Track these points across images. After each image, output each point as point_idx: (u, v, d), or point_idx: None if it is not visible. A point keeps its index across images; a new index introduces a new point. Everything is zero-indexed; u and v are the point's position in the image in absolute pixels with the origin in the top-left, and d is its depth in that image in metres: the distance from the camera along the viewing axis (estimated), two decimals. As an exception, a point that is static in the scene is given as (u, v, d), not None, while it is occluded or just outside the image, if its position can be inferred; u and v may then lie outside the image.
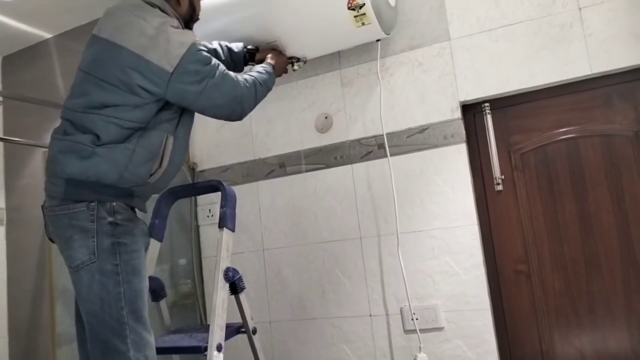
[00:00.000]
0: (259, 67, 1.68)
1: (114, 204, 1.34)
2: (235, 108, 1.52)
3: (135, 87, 1.34)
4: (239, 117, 1.57)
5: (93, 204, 1.31)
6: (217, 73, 1.44)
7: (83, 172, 1.30)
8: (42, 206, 1.42)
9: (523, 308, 1.89)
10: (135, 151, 1.34)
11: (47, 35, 2.82)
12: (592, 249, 1.80)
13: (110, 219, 1.32)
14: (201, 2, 1.72)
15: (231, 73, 1.50)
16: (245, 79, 1.55)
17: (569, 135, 1.86)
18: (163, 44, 1.35)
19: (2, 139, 2.79)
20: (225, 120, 1.56)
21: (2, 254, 2.84)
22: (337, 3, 1.78)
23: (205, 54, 1.43)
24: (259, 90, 1.60)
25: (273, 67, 1.74)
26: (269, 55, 1.82)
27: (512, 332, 1.90)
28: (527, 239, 1.89)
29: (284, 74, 1.93)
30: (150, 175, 1.40)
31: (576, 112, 1.85)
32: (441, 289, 1.90)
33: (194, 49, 1.39)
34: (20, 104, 2.76)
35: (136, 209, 1.44)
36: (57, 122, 2.68)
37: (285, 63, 1.91)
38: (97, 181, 1.31)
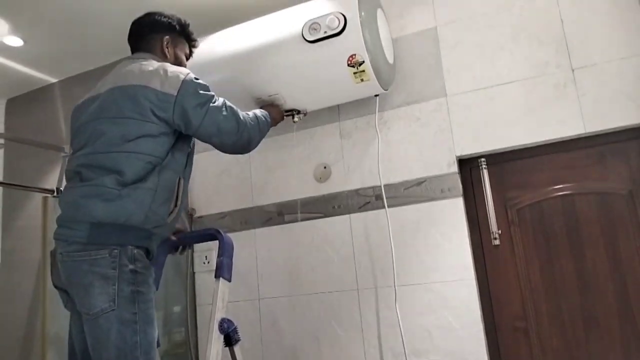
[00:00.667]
0: (256, 110, 1.72)
1: (135, 251, 1.35)
2: (240, 134, 1.54)
3: (148, 113, 1.39)
4: (246, 145, 1.59)
5: (116, 251, 1.32)
6: (219, 99, 1.52)
7: (111, 215, 1.32)
8: (51, 253, 1.42)
9: (521, 366, 1.86)
10: (157, 191, 1.38)
11: (52, 80, 2.88)
12: (590, 307, 1.80)
13: (131, 266, 1.33)
14: (204, 54, 1.82)
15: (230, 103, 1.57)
16: (247, 113, 1.61)
17: (565, 192, 1.88)
18: (163, 74, 1.44)
19: (3, 183, 2.80)
20: (232, 149, 1.57)
21: (-7, 297, 2.81)
22: (337, 60, 1.84)
23: (204, 82, 1.50)
24: (262, 122, 1.66)
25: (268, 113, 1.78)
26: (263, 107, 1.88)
27: (511, 391, 1.86)
28: (524, 294, 1.89)
29: (280, 124, 1.98)
30: (169, 215, 1.44)
31: (571, 169, 1.88)
32: (439, 344, 1.88)
33: (191, 76, 1.48)
34: (21, 146, 2.79)
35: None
36: (57, 165, 2.70)
37: (279, 113, 1.95)
38: (123, 223, 1.33)
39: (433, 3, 2.11)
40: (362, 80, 1.87)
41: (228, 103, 1.54)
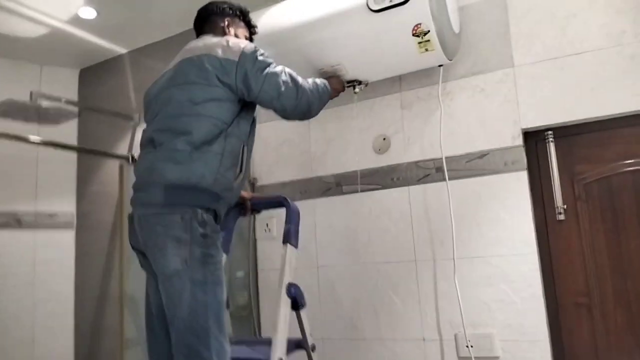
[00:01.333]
0: (316, 79, 1.75)
1: (205, 215, 1.42)
2: (300, 99, 1.59)
3: (213, 78, 1.48)
4: (306, 111, 1.64)
5: (188, 215, 1.39)
6: (277, 65, 1.59)
7: (183, 176, 1.41)
8: (129, 216, 1.52)
9: (583, 343, 1.84)
10: (224, 155, 1.46)
11: (123, 51, 3.00)
12: (659, 286, 1.74)
13: (202, 230, 1.41)
14: (267, 25, 1.88)
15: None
16: (306, 80, 1.66)
17: (636, 167, 1.81)
18: (225, 44, 1.55)
19: (80, 148, 2.97)
20: (293, 114, 1.62)
21: (70, 258, 3.02)
22: (401, 30, 1.82)
23: (262, 50, 1.58)
24: (321, 89, 1.70)
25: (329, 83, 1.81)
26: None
27: (570, 366, 1.85)
28: (588, 271, 1.85)
29: (341, 94, 2.01)
30: (235, 179, 1.52)
31: (644, 144, 1.80)
32: (497, 317, 1.89)
33: (251, 45, 1.57)
34: (94, 114, 2.95)
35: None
36: (128, 133, 2.84)
37: (339, 83, 1.97)
38: (195, 185, 1.41)
39: (502, -31, 2.04)
40: (426, 50, 1.85)
41: (287, 69, 1.60)
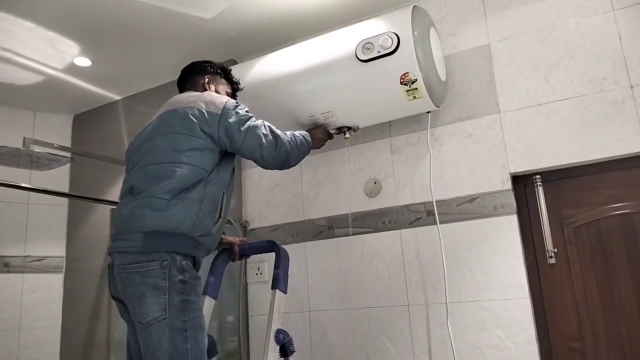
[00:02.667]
0: (295, 131, 1.82)
1: (183, 262, 1.44)
2: (279, 149, 1.67)
3: (196, 129, 1.54)
4: (285, 160, 1.71)
5: (165, 262, 1.40)
6: (257, 118, 1.66)
7: (162, 223, 1.42)
8: (109, 265, 1.52)
9: (578, 389, 1.82)
10: (203, 202, 1.49)
11: (116, 97, 3.05)
12: (652, 330, 1.74)
13: (180, 277, 1.42)
14: (260, 74, 2.01)
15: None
16: (285, 132, 1.74)
17: (624, 211, 1.84)
18: (208, 98, 1.63)
19: (70, 195, 2.97)
20: (272, 164, 1.69)
21: (58, 301, 2.97)
22: (389, 79, 1.87)
23: (243, 105, 1.66)
24: (299, 141, 1.77)
25: (309, 134, 1.88)
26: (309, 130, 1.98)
27: (567, 414, 1.82)
28: (581, 315, 1.84)
29: (332, 140, 2.09)
30: (214, 225, 1.54)
31: (630, 187, 1.84)
32: (491, 363, 1.87)
33: (232, 101, 1.64)
34: (86, 159, 2.96)
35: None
36: (120, 178, 2.85)
37: (324, 132, 2.04)
38: (173, 230, 1.43)
39: (486, 20, 2.12)
40: (414, 97, 1.90)
41: (267, 123, 1.68)
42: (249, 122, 1.61)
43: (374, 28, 1.91)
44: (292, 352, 1.67)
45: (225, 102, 1.61)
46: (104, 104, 3.09)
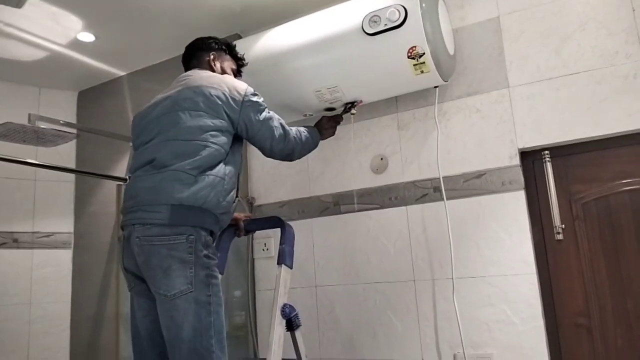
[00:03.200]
0: (300, 127, 1.87)
1: (208, 237, 1.47)
2: (287, 143, 1.73)
3: (221, 111, 1.57)
4: (289, 154, 1.77)
5: (192, 236, 1.43)
6: (270, 111, 1.71)
7: (191, 197, 1.44)
8: (123, 237, 1.52)
9: (583, 363, 1.83)
10: (225, 180, 1.53)
11: (121, 73, 3.02)
12: (658, 306, 1.74)
13: (205, 251, 1.45)
14: (265, 48, 2.03)
15: None
16: (291, 128, 1.79)
17: (633, 187, 1.82)
18: (230, 82, 1.65)
19: (77, 170, 2.98)
20: (278, 154, 1.74)
21: (67, 277, 3.01)
22: (397, 53, 1.84)
23: (258, 94, 1.69)
24: (304, 137, 1.83)
25: (316, 127, 1.97)
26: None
27: (571, 387, 1.84)
28: (588, 291, 1.84)
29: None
30: (232, 203, 1.59)
31: (640, 163, 1.82)
32: (497, 338, 1.88)
33: (251, 89, 1.67)
34: (92, 136, 2.96)
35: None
36: (126, 154, 2.86)
37: (329, 122, 2.05)
38: (201, 206, 1.46)
39: (496, -8, 2.07)
40: (422, 72, 1.87)
41: (277, 116, 1.73)
42: (265, 113, 1.66)
43: (381, 1, 1.87)
44: (298, 325, 1.69)
45: (246, 89, 1.64)
46: (108, 79, 3.07)
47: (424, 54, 1.81)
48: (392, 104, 2.23)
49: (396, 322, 2.08)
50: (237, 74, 1.90)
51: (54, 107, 3.11)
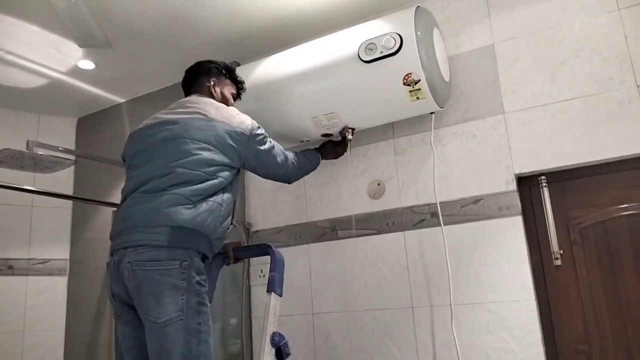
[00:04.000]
0: (298, 152, 1.96)
1: (200, 264, 1.46)
2: (285, 170, 1.83)
3: (228, 147, 1.60)
4: (287, 177, 1.88)
5: (186, 262, 1.41)
6: (270, 139, 1.78)
7: (192, 220, 1.45)
8: (112, 262, 1.48)
9: (585, 392, 1.79)
10: (222, 206, 1.55)
11: (120, 100, 3.05)
12: (660, 333, 1.72)
13: (197, 278, 1.43)
14: (263, 75, 2.06)
15: None
16: (290, 151, 1.90)
17: (631, 212, 1.81)
18: (236, 117, 1.68)
19: (73, 197, 2.97)
20: (279, 179, 1.87)
21: (62, 304, 2.97)
22: (392, 79, 1.86)
23: (260, 126, 1.75)
24: (302, 160, 1.93)
25: (317, 150, 2.08)
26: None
27: (574, 418, 1.80)
28: (587, 317, 1.82)
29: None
30: (227, 229, 1.60)
31: (637, 188, 1.81)
32: (496, 366, 1.84)
33: (254, 122, 1.72)
34: (90, 162, 2.96)
35: None
36: (124, 180, 2.85)
37: (333, 149, 2.15)
38: (199, 229, 1.46)
39: (490, 20, 2.10)
40: (417, 98, 1.89)
41: (276, 143, 1.81)
42: (267, 144, 1.73)
43: (376, 29, 1.90)
44: (288, 354, 1.65)
45: (252, 124, 1.69)
46: (108, 106, 3.10)
47: (419, 80, 1.83)
48: (389, 129, 2.25)
49: (394, 350, 2.05)
50: (237, 97, 1.92)
51: (53, 133, 3.12)
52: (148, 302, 1.38)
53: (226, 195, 1.58)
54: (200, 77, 1.82)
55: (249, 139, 1.66)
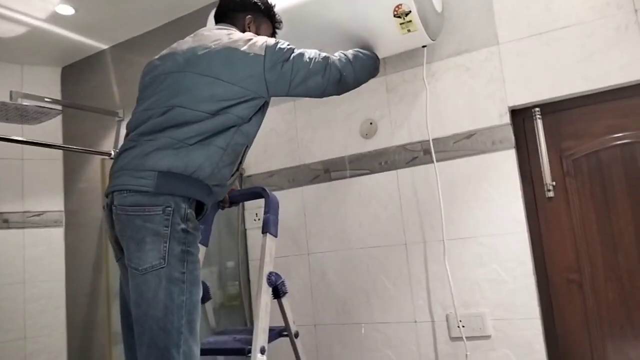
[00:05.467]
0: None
1: (188, 211, 1.36)
2: (329, 70, 1.55)
3: (240, 75, 1.41)
4: (338, 82, 1.60)
5: (169, 208, 1.32)
6: (299, 48, 1.54)
7: (180, 164, 1.34)
8: (107, 205, 1.42)
9: (575, 318, 1.83)
10: (226, 150, 1.42)
11: (104, 47, 2.96)
12: (650, 259, 1.74)
13: (183, 225, 1.33)
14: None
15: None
16: (335, 53, 1.63)
17: (625, 141, 1.80)
18: (249, 39, 1.47)
19: (63, 147, 2.94)
20: (330, 88, 1.58)
21: (61, 255, 3.01)
22: (382, 11, 1.79)
23: (282, 40, 1.53)
24: (358, 58, 1.68)
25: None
26: None
27: (563, 343, 1.85)
28: (579, 247, 1.84)
29: None
30: (230, 176, 1.49)
31: (632, 117, 1.79)
32: (488, 297, 1.88)
33: (271, 40, 1.50)
34: (78, 112, 2.91)
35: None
36: (112, 129, 2.81)
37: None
38: (190, 174, 1.36)
39: (483, -54, 2.01)
40: (408, 31, 1.82)
41: (310, 50, 1.56)
42: (293, 55, 1.50)
43: (365, -43, 1.81)
44: (285, 293, 1.68)
45: (266, 42, 1.47)
46: (92, 53, 3.01)
47: (410, 11, 1.76)
48: (381, 66, 2.18)
49: (389, 285, 2.08)
50: (272, 37, 1.74)
51: (38, 84, 3.06)
52: (130, 247, 1.32)
53: (236, 138, 1.43)
54: (236, 8, 1.64)
55: (266, 59, 1.44)
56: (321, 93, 1.58)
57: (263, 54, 1.44)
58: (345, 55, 1.65)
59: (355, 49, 1.75)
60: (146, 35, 2.78)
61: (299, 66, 1.50)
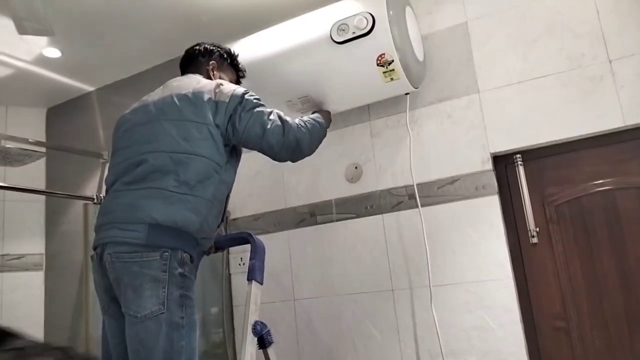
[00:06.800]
0: (304, 117, 1.73)
1: (184, 255, 1.37)
2: (286, 136, 1.54)
3: (208, 117, 1.44)
4: (295, 147, 1.57)
5: (166, 253, 1.32)
6: (265, 105, 1.55)
7: (171, 218, 1.34)
8: (96, 256, 1.41)
9: (563, 367, 1.82)
10: (213, 203, 1.43)
11: (90, 89, 2.97)
12: (634, 305, 1.74)
13: (180, 270, 1.34)
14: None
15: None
16: (299, 119, 1.65)
17: (605, 187, 1.82)
18: (219, 85, 1.52)
19: (45, 192, 2.91)
20: (281, 153, 1.56)
21: (40, 299, 2.92)
22: (366, 60, 1.83)
23: (252, 92, 1.55)
24: (311, 125, 1.66)
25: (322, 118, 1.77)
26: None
27: (552, 391, 1.82)
28: (565, 293, 1.84)
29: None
30: (216, 228, 1.50)
31: (611, 164, 1.82)
32: (476, 345, 1.86)
33: (242, 89, 1.54)
34: (62, 153, 2.89)
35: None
36: (97, 170, 2.78)
37: (328, 114, 1.93)
38: (180, 228, 1.36)
39: (463, -2, 2.08)
40: (391, 79, 1.86)
41: (277, 111, 1.57)
42: (256, 109, 1.51)
43: (349, 9, 1.86)
44: (271, 342, 1.64)
45: (234, 89, 1.51)
46: (77, 95, 3.01)
47: (392, 61, 1.80)
48: (365, 112, 2.22)
49: (376, 332, 2.05)
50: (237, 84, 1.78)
51: (23, 125, 3.04)
52: (128, 295, 1.32)
53: (220, 189, 1.45)
54: (200, 58, 1.70)
55: (228, 105, 1.47)
56: (274, 155, 1.57)
57: (227, 101, 1.48)
58: (304, 124, 1.64)
59: (312, 116, 1.74)
60: (132, 78, 2.80)
61: (256, 121, 1.49)
